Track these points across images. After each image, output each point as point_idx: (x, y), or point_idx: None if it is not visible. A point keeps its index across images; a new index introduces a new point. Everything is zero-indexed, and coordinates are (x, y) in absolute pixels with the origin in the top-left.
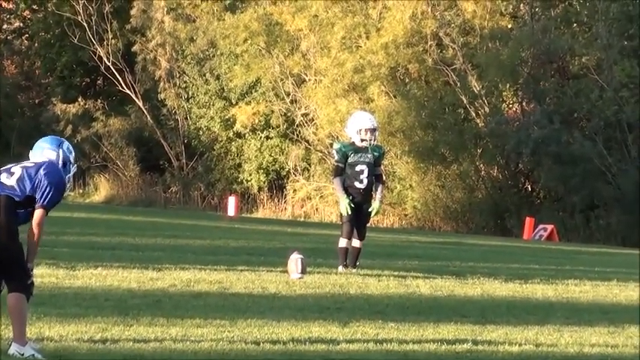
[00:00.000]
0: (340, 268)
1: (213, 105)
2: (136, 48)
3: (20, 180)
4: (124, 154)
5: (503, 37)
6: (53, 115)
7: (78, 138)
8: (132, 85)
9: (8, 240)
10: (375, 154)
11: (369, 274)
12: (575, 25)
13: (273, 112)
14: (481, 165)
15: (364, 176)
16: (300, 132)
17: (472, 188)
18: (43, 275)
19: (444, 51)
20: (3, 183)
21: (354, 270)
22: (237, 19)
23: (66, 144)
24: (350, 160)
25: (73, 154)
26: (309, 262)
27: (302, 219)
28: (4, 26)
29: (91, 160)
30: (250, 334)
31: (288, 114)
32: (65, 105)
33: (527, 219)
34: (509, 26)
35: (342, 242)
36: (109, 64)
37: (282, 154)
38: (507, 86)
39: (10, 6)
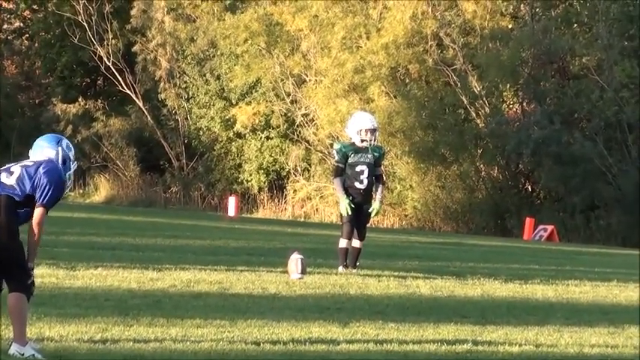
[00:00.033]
0: (340, 269)
1: (213, 105)
2: (136, 48)
3: (20, 179)
4: (125, 154)
5: (504, 38)
6: (53, 115)
7: (78, 138)
8: (132, 85)
9: (9, 240)
10: (376, 154)
11: (369, 274)
12: (575, 25)
13: (273, 112)
14: (481, 165)
15: (364, 177)
16: (300, 132)
17: (472, 189)
18: (43, 275)
19: (444, 51)
20: (3, 183)
21: (354, 270)
22: (237, 20)
23: (65, 141)
24: (350, 160)
25: (73, 151)
26: (309, 263)
27: (302, 219)
28: (5, 26)
29: (92, 161)
30: (250, 335)
31: (289, 114)
32: (65, 105)
33: (528, 219)
34: (510, 26)
35: (342, 243)
36: (110, 64)
37: (283, 154)
38: (508, 87)
39: (11, 6)
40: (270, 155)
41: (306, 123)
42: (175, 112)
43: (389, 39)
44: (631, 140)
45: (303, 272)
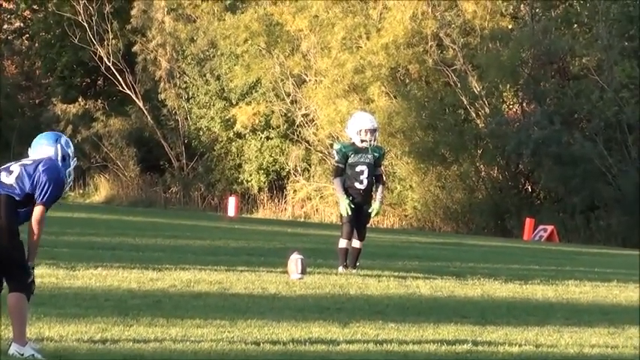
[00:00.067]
0: (340, 269)
1: (213, 105)
2: (136, 48)
3: (19, 178)
4: (125, 154)
5: (504, 38)
6: (53, 115)
7: (78, 138)
8: (132, 85)
9: (9, 239)
10: (376, 154)
11: (369, 274)
12: (575, 25)
13: (273, 112)
14: (481, 166)
15: (364, 177)
16: (300, 132)
17: (472, 189)
18: (43, 275)
19: (444, 51)
20: (2, 182)
21: (354, 270)
22: (237, 20)
23: (63, 138)
24: (350, 160)
25: (72, 147)
26: (309, 263)
27: (302, 219)
28: (5, 26)
29: (92, 161)
30: (250, 335)
31: (289, 114)
32: (65, 105)
33: (528, 220)
34: (510, 27)
35: (342, 243)
36: (110, 64)
37: (283, 154)
38: (508, 87)
39: (11, 6)
40: (270, 155)
41: (306, 123)
42: (175, 112)
43: (389, 39)
44: (631, 141)
45: (303, 272)
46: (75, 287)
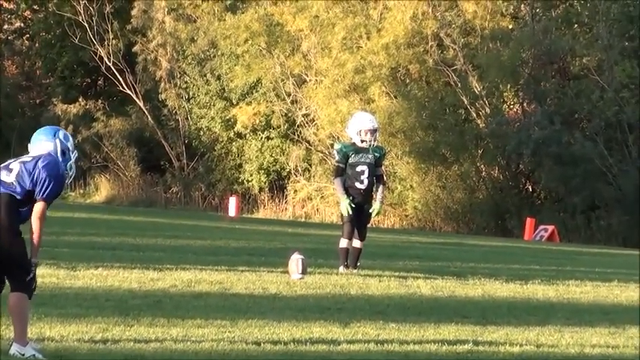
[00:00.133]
0: (341, 269)
1: (213, 105)
2: (136, 48)
3: (19, 176)
4: (125, 154)
5: (504, 38)
6: (54, 115)
7: (79, 138)
8: (133, 85)
9: (10, 239)
10: (376, 154)
11: (369, 274)
12: (575, 25)
13: (273, 112)
14: (482, 166)
15: (365, 177)
16: (300, 132)
17: (473, 189)
18: (43, 275)
19: (444, 52)
20: (3, 181)
21: (354, 270)
22: (237, 20)
23: (61, 132)
24: (351, 160)
25: (71, 140)
26: (309, 263)
27: (303, 219)
28: (5, 26)
29: (92, 161)
30: (251, 335)
31: (289, 114)
32: (66, 105)
33: (528, 220)
34: (510, 27)
35: (343, 243)
36: (110, 64)
37: (283, 154)
38: (508, 87)
39: (11, 6)
40: (271, 155)
41: (307, 123)
42: (176, 112)
43: (389, 39)
44: (631, 140)
45: (304, 272)
46: (76, 287)
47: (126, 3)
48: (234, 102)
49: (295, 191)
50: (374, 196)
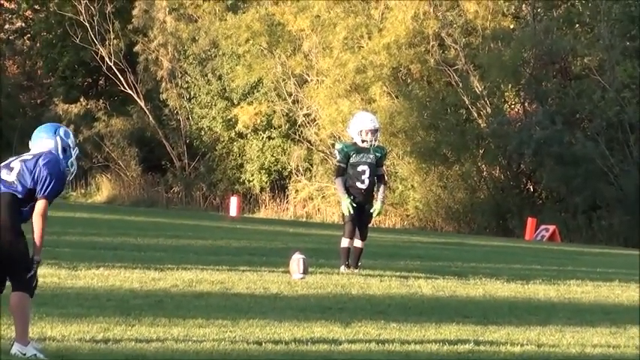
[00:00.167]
0: (342, 269)
1: (215, 105)
2: (137, 48)
3: (20, 175)
4: (126, 154)
5: (506, 38)
6: (55, 115)
7: (80, 138)
8: (134, 85)
9: (12, 239)
10: (377, 154)
11: (371, 274)
12: (577, 25)
13: (275, 112)
14: (483, 165)
15: (366, 176)
16: (302, 132)
17: (474, 189)
18: (45, 275)
19: (446, 51)
20: (4, 180)
21: (356, 270)
22: (239, 20)
23: (62, 129)
24: (352, 160)
25: (72, 137)
26: (310, 263)
27: (304, 219)
28: (6, 26)
29: (93, 161)
30: (252, 335)
31: (290, 114)
32: (67, 105)
33: (529, 219)
34: (512, 27)
35: (344, 242)
36: (111, 64)
37: (284, 154)
38: (509, 87)
39: (12, 6)
40: (272, 155)
41: (308, 123)
42: (177, 112)
43: (390, 39)
44: (632, 140)
45: (305, 272)
46: (77, 287)
47: (127, 3)
48: (236, 102)
49: (296, 191)
50: (375, 196)
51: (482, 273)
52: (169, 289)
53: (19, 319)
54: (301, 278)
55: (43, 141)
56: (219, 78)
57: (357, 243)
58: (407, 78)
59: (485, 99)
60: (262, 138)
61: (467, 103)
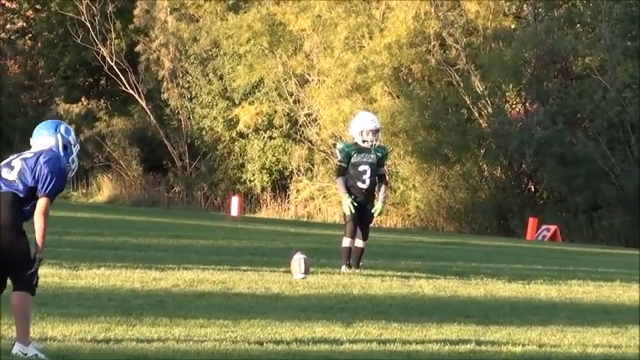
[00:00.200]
0: (343, 268)
1: (216, 105)
2: (139, 48)
3: (21, 173)
4: (127, 154)
5: (507, 38)
6: (56, 114)
7: (81, 138)
8: (135, 85)
9: (12, 238)
10: (379, 154)
11: (372, 274)
12: (578, 25)
13: (276, 112)
14: (484, 165)
15: (367, 176)
16: (303, 132)
17: (475, 189)
18: (46, 275)
19: (447, 51)
20: (4, 178)
21: (357, 270)
22: (240, 19)
23: (63, 126)
24: (353, 160)
25: (72, 134)
26: (312, 263)
27: (305, 219)
28: (8, 26)
29: (94, 160)
30: (253, 334)
31: (291, 114)
32: (68, 105)
33: (531, 219)
34: (513, 27)
35: (346, 241)
36: (112, 64)
37: (285, 154)
38: (510, 87)
39: (14, 6)
40: (273, 155)
41: (309, 123)
42: (178, 111)
43: (392, 39)
44: (634, 140)
45: (306, 272)
46: (78, 287)
47: (128, 3)
48: (237, 102)
49: (298, 191)
50: (376, 195)
51: (483, 273)
52: (170, 289)
53: (20, 319)
54: (302, 278)
55: (43, 138)
56: (221, 78)
57: (359, 243)
58: (408, 78)
59: (487, 99)
60: (263, 138)
61: (468, 103)
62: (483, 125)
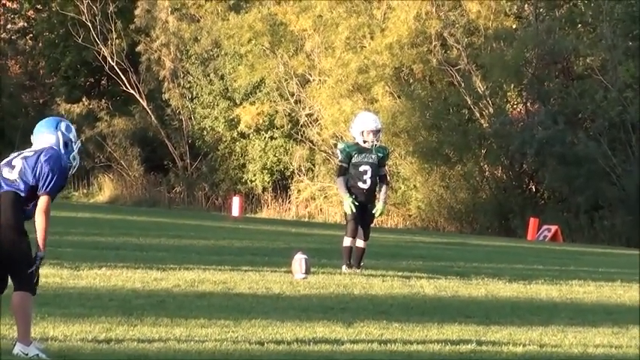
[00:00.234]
0: (344, 268)
1: (217, 105)
2: (140, 48)
3: (22, 172)
4: (128, 154)
5: (508, 38)
6: (57, 115)
7: (82, 138)
8: (136, 85)
9: (14, 238)
10: (380, 154)
11: (373, 274)
12: (579, 25)
13: (277, 112)
14: (485, 165)
15: (368, 176)
16: (304, 132)
17: (476, 189)
18: (47, 275)
19: (448, 51)
20: (5, 178)
21: (358, 270)
22: (241, 19)
23: (63, 124)
24: (354, 160)
25: (73, 131)
26: (313, 263)
27: (306, 219)
28: (9, 26)
29: (95, 160)
30: (254, 335)
31: (293, 114)
32: (69, 105)
33: (532, 219)
34: (514, 27)
35: (347, 241)
36: (113, 64)
37: (287, 154)
38: (512, 87)
39: (15, 6)
40: (274, 155)
41: (310, 123)
42: (179, 112)
43: (393, 39)
44: (635, 140)
45: (307, 272)
46: (79, 287)
47: (129, 3)
48: (238, 102)
49: (299, 191)
50: (377, 196)
51: (484, 273)
52: (171, 289)
53: (20, 319)
54: (303, 278)
55: (44, 136)
56: (222, 78)
57: (360, 243)
58: (409, 78)
59: (488, 99)
60: (264, 138)
61: (469, 103)
62: (484, 125)
